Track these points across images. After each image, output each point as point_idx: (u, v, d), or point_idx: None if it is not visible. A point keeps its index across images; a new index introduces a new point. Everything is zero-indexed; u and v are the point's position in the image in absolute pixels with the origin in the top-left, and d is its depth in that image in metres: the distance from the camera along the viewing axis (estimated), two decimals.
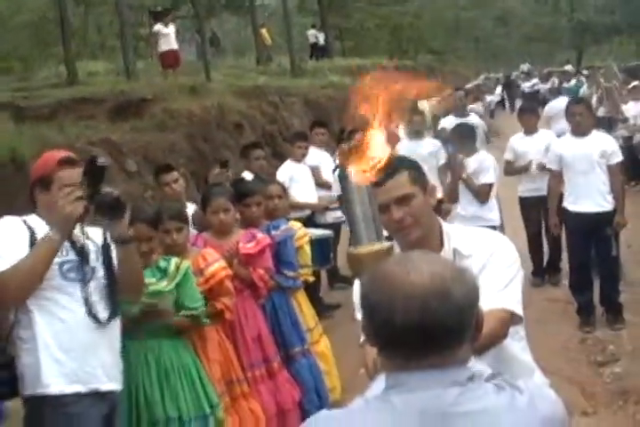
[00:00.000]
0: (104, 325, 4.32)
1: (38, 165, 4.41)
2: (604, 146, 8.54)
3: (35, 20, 26.34)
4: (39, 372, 4.19)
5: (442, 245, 3.29)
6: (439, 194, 9.06)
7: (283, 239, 6.65)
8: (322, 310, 8.96)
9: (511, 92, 39.16)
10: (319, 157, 10.54)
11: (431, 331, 2.03)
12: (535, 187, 10.03)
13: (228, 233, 6.19)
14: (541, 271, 10.49)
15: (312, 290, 8.39)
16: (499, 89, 38.37)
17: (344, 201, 2.59)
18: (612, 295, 8.81)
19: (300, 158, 10.17)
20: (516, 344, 3.40)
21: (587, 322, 8.70)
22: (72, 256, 4.29)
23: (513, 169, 10.42)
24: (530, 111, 10.93)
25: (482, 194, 8.85)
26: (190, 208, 6.94)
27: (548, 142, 9.71)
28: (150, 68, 20.81)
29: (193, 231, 6.24)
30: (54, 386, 4.19)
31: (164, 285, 5.16)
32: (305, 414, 5.96)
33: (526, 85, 35.32)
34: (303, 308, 6.91)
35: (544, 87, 31.18)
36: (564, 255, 9.81)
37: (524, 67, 43.80)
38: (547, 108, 15.86)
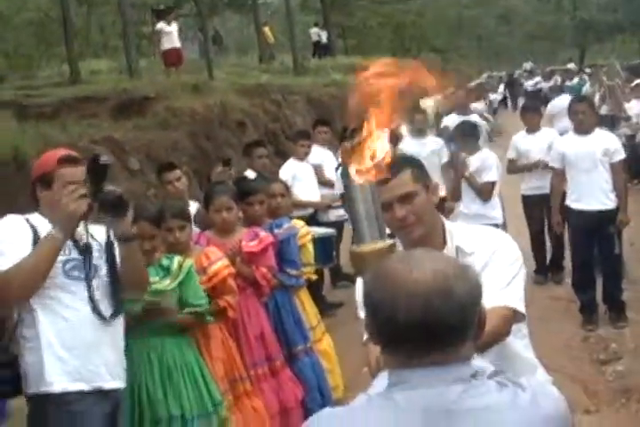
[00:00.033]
0: (107, 323, 4.33)
1: (39, 163, 4.42)
2: (606, 144, 8.54)
3: (37, 19, 26.34)
4: (42, 370, 4.20)
5: (444, 242, 3.29)
6: (442, 192, 9.06)
7: (285, 238, 6.65)
8: (325, 308, 8.96)
9: (514, 90, 39.14)
10: (322, 156, 10.54)
11: (434, 328, 2.04)
12: (538, 185, 10.03)
13: (231, 231, 6.19)
14: (544, 269, 10.49)
15: (315, 288, 8.39)
16: (501, 87, 38.35)
17: (347, 199, 2.59)
18: (614, 293, 8.80)
19: (302, 157, 10.17)
20: (519, 342, 3.40)
21: (589, 320, 8.70)
22: (75, 255, 4.30)
23: (516, 167, 10.41)
24: (532, 109, 10.93)
25: (484, 192, 8.84)
26: (193, 206, 6.94)
27: (550, 141, 9.70)
28: (153, 66, 20.81)
29: (195, 230, 6.24)
30: (58, 384, 4.20)
31: (166, 283, 5.16)
32: (308, 413, 5.96)
33: (529, 84, 35.31)
34: (306, 306, 6.91)
35: (546, 86, 31.18)
36: (567, 253, 9.82)
37: (527, 65, 43.76)
38: (549, 106, 15.85)
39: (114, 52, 25.40)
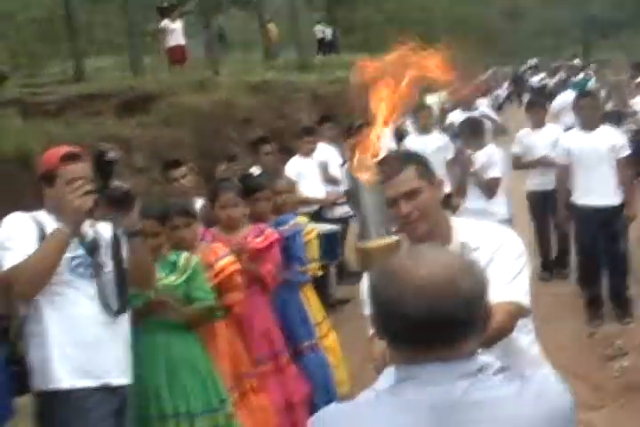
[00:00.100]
0: (114, 319, 4.34)
1: (42, 161, 4.44)
2: (612, 140, 8.52)
3: (41, 17, 26.32)
4: (49, 367, 4.21)
5: (449, 238, 3.30)
6: (447, 188, 9.07)
7: (291, 234, 6.66)
8: (330, 305, 8.97)
9: (519, 86, 39.06)
10: (327, 153, 10.54)
11: (441, 324, 2.04)
12: (543, 181, 10.01)
13: (237, 228, 6.19)
14: (549, 266, 10.48)
15: (321, 285, 8.40)
16: (506, 83, 38.27)
17: (353, 195, 2.59)
18: (620, 290, 8.80)
19: (307, 153, 10.18)
20: (525, 337, 3.40)
21: (595, 316, 8.69)
22: (81, 251, 4.31)
23: (521, 164, 10.39)
24: (537, 105, 10.92)
25: (490, 188, 8.83)
26: (198, 203, 6.95)
27: (555, 137, 9.69)
28: (157, 63, 20.79)
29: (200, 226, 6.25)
30: (65, 381, 4.22)
31: (173, 279, 5.18)
32: (313, 409, 5.96)
33: (534, 80, 35.23)
34: (311, 302, 6.91)
35: (552, 81, 31.11)
36: (573, 250, 9.81)
37: (532, 61, 43.65)
38: (554, 102, 15.83)
39: (118, 49, 25.36)
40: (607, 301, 8.84)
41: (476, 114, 12.03)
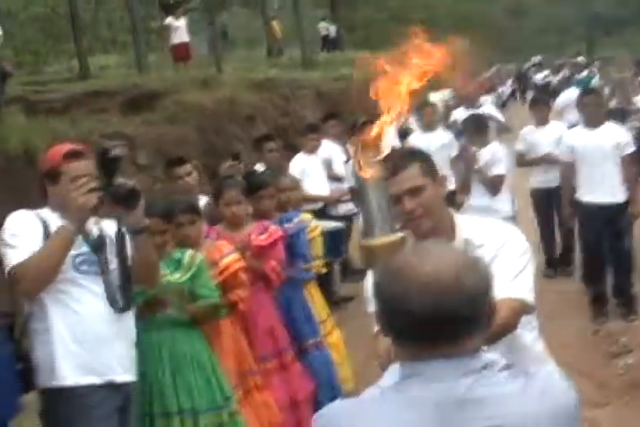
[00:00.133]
0: (118, 316, 4.35)
1: (45, 158, 4.45)
2: (616, 137, 8.52)
3: (45, 15, 26.34)
4: (54, 364, 4.22)
5: (453, 235, 3.31)
6: (452, 186, 9.08)
7: (295, 232, 6.66)
8: (335, 302, 8.98)
9: (523, 83, 39.06)
10: (331, 150, 10.54)
11: (446, 321, 2.04)
12: (547, 178, 10.01)
13: (241, 225, 6.20)
14: (554, 263, 10.48)
15: (325, 283, 8.40)
16: (510, 81, 38.26)
17: (358, 193, 2.59)
18: (624, 287, 8.80)
19: (312, 151, 10.18)
20: (529, 334, 3.41)
21: (599, 314, 8.69)
22: (85, 249, 4.32)
23: (525, 161, 10.39)
24: (541, 103, 10.91)
25: (494, 185, 8.83)
26: (202, 201, 6.95)
27: (559, 134, 9.69)
28: (162, 61, 20.80)
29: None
30: (69, 378, 4.22)
31: (177, 276, 5.19)
32: (318, 406, 5.96)
33: (538, 77, 35.21)
34: (315, 300, 6.91)
35: (555, 79, 31.10)
36: (577, 247, 9.81)
37: (536, 59, 43.62)
38: (558, 100, 15.82)
39: (122, 47, 25.38)
40: (612, 298, 8.84)
41: (479, 112, 12.03)
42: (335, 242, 8.38)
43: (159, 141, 12.84)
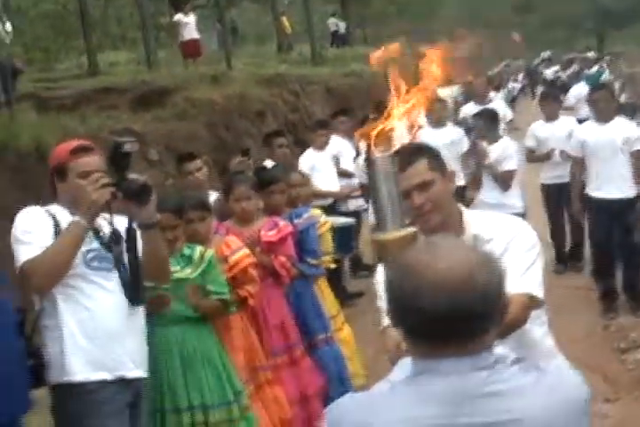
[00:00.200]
0: (129, 312, 4.36)
1: (53, 155, 4.46)
2: (627, 132, 8.51)
3: (55, 12, 26.40)
4: (65, 360, 4.23)
5: (462, 230, 3.31)
6: (462, 181, 9.08)
7: (305, 227, 6.67)
8: (345, 298, 8.98)
9: (533, 79, 38.96)
10: (341, 146, 10.54)
11: (459, 319, 2.04)
12: (557, 174, 10.00)
13: (251, 221, 6.21)
14: (564, 258, 10.47)
15: (335, 278, 8.41)
16: (521, 76, 38.18)
17: (370, 187, 2.59)
18: (634, 282, 8.78)
19: (321, 146, 10.18)
20: (538, 329, 3.41)
21: (609, 309, 8.68)
22: (96, 245, 4.33)
23: (535, 157, 10.38)
24: (551, 98, 10.89)
25: (504, 181, 8.82)
26: (212, 196, 6.96)
27: (569, 129, 9.68)
28: (171, 57, 20.83)
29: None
30: (80, 374, 4.23)
31: (188, 272, 5.20)
32: (328, 401, 5.96)
33: (548, 72, 35.13)
34: (325, 295, 6.92)
35: (565, 74, 31.05)
36: (587, 242, 9.80)
37: (545, 54, 43.52)
38: (569, 95, 15.81)
39: (132, 43, 25.43)
40: (622, 293, 8.83)
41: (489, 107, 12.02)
42: (345, 238, 8.39)
43: (169, 138, 12.87)
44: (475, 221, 3.34)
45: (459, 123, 11.64)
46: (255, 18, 37.25)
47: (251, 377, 5.77)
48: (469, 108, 12.14)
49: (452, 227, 3.29)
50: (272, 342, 6.06)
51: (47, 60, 22.23)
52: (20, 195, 8.49)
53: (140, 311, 4.47)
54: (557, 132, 10.04)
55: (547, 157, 10.14)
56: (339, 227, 7.94)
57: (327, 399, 6.15)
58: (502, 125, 10.79)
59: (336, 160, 10.30)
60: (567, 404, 2.12)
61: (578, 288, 9.50)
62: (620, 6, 57.55)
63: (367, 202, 9.87)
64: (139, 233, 4.36)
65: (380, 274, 3.10)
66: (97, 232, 4.36)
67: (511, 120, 12.46)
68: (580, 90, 15.40)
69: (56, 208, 4.36)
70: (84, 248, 4.23)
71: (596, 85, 10.29)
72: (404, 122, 2.61)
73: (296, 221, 6.62)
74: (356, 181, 10.18)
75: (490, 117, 9.41)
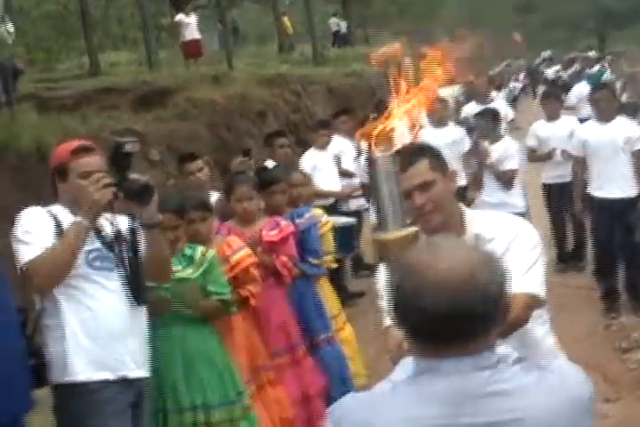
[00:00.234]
0: (131, 312, 4.36)
1: (54, 155, 4.47)
2: (628, 132, 8.52)
3: (56, 12, 26.43)
4: (66, 360, 4.23)
5: (464, 230, 3.31)
6: (463, 181, 9.07)
7: (307, 227, 6.67)
8: (346, 298, 8.98)
9: (534, 78, 38.97)
10: (342, 146, 10.54)
11: (461, 320, 2.04)
12: (559, 173, 10.00)
13: (252, 221, 6.21)
14: (566, 258, 10.47)
15: (337, 278, 8.41)
16: (522, 76, 38.20)
17: (371, 186, 2.58)
18: (636, 281, 8.78)
19: (323, 146, 10.18)
20: (540, 328, 3.41)
21: (611, 308, 8.68)
22: (98, 245, 4.33)
23: (536, 156, 10.38)
24: (552, 97, 10.89)
25: (507, 180, 8.82)
26: (214, 197, 6.96)
27: (570, 129, 9.68)
28: (172, 58, 20.84)
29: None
30: (82, 374, 4.23)
31: (189, 272, 5.20)
32: (330, 401, 5.97)
33: (549, 72, 35.16)
34: (327, 295, 6.92)
35: (566, 73, 31.07)
36: (589, 241, 9.80)
37: (546, 53, 43.53)
38: (570, 94, 15.80)
39: (133, 43, 25.45)
40: (623, 293, 8.83)
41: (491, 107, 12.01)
42: (347, 237, 8.38)
43: (170, 138, 12.88)
44: (476, 220, 3.34)
45: (460, 122, 11.63)
46: (256, 18, 37.28)
47: (252, 377, 5.78)
48: (471, 108, 12.14)
49: (454, 227, 3.29)
50: (274, 342, 6.06)
51: (49, 60, 22.24)
52: (21, 195, 8.50)
53: (142, 311, 4.48)
54: (559, 132, 10.04)
55: (548, 156, 10.14)
56: (340, 227, 7.94)
57: (329, 399, 6.15)
58: (504, 125, 10.78)
59: (337, 160, 10.30)
60: (570, 403, 2.12)
61: (579, 288, 9.50)
62: (620, 6, 57.55)
63: (368, 202, 9.88)
64: (141, 233, 4.37)
65: (382, 274, 3.10)
66: (98, 232, 4.36)
67: (512, 120, 12.44)
68: (581, 89, 15.41)
69: (58, 209, 4.36)
70: (86, 248, 4.24)
71: (598, 85, 10.28)
72: (405, 122, 2.61)
73: (297, 220, 6.62)
74: (357, 181, 10.18)
75: (491, 117, 9.40)
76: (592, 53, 33.55)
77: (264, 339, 5.99)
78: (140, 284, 4.38)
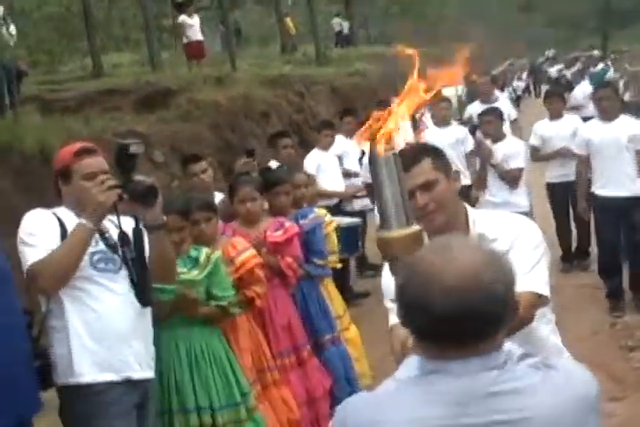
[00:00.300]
0: (136, 313, 4.36)
1: (57, 158, 4.47)
2: (631, 130, 8.50)
3: (58, 14, 26.43)
4: (71, 361, 4.24)
5: (467, 230, 3.31)
6: (467, 180, 9.07)
7: (311, 228, 6.66)
8: (351, 298, 8.98)
9: (537, 77, 39.01)
10: (345, 146, 10.55)
11: (469, 321, 2.04)
12: (563, 173, 10.00)
13: (256, 222, 6.21)
14: (570, 257, 10.46)
15: (342, 279, 8.40)
16: (525, 75, 38.24)
17: (374, 184, 2.57)
18: None
19: (326, 147, 10.19)
20: (544, 327, 3.41)
21: (616, 307, 8.68)
22: (102, 246, 4.34)
23: (540, 155, 10.38)
24: (555, 96, 10.88)
25: (512, 179, 8.81)
26: (218, 197, 6.96)
27: (573, 128, 9.68)
28: (175, 59, 20.85)
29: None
30: (87, 375, 4.24)
31: (194, 274, 5.20)
32: (335, 402, 5.97)
33: (553, 71, 35.18)
34: (332, 295, 6.92)
35: (569, 72, 31.10)
36: (593, 240, 9.79)
37: (549, 53, 43.55)
38: (573, 93, 15.80)
39: (135, 45, 25.46)
40: (628, 292, 8.82)
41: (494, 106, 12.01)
42: (351, 238, 8.39)
43: (174, 139, 12.89)
44: (480, 220, 3.34)
45: (464, 122, 11.64)
46: (259, 19, 37.27)
47: (258, 378, 5.77)
48: (474, 107, 12.13)
49: (457, 226, 3.28)
50: (279, 342, 6.06)
51: (51, 62, 22.25)
52: (25, 197, 8.51)
53: (147, 313, 4.48)
54: (562, 131, 10.04)
55: (554, 155, 10.12)
56: (344, 227, 7.94)
57: (334, 400, 6.15)
58: (507, 124, 10.77)
59: (340, 160, 10.31)
60: (575, 401, 2.11)
61: (584, 287, 9.50)
62: (623, 5, 57.53)
63: (373, 202, 9.88)
64: (146, 235, 4.37)
65: (386, 272, 3.10)
66: (103, 234, 4.36)
67: (515, 119, 12.42)
68: (584, 88, 15.40)
69: (62, 211, 4.37)
70: (90, 250, 4.24)
71: (601, 84, 10.27)
72: (408, 121, 2.61)
73: (302, 221, 6.62)
74: (361, 181, 10.19)
75: (495, 115, 9.40)
76: (595, 52, 33.55)
77: (269, 340, 5.99)
78: (145, 285, 4.38)
